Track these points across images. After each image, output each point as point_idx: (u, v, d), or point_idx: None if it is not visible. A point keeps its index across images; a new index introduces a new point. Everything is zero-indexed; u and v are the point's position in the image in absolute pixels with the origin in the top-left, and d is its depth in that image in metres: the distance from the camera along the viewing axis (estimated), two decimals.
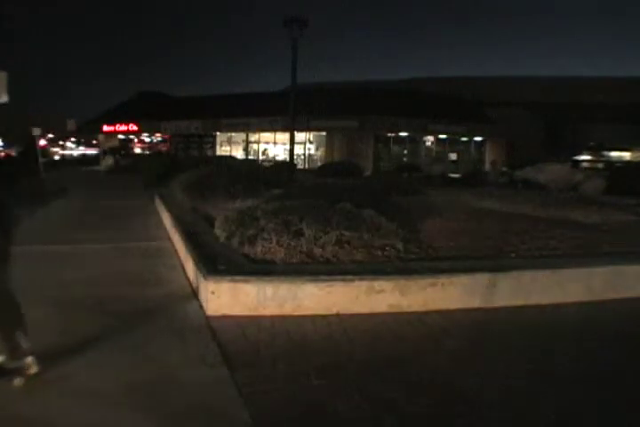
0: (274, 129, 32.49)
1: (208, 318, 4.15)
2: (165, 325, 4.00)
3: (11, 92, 6.92)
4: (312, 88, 31.40)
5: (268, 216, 5.63)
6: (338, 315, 4.23)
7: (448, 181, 18.51)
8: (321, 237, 5.10)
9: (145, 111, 38.73)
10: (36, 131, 21.60)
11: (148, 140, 42.81)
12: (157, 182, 14.31)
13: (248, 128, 34.73)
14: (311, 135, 32.80)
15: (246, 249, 5.14)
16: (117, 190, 16.07)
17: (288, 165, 16.90)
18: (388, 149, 32.82)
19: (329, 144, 31.94)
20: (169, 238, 7.42)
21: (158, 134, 41.07)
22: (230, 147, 37.06)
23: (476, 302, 4.55)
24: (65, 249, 6.69)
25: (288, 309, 4.24)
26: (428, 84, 39.55)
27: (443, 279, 4.51)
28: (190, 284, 5.03)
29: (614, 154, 22.78)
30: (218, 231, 6.08)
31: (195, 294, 4.71)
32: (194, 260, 5.03)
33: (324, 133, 32.11)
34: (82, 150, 62.79)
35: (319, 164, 28.66)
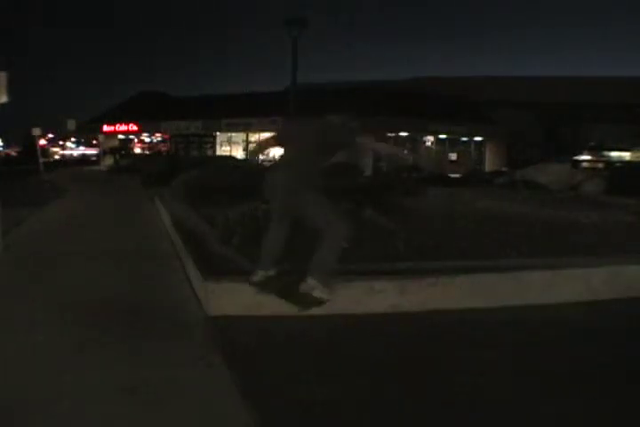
0: (274, 129, 32.51)
1: (209, 318, 4.15)
2: (167, 325, 4.01)
3: (11, 93, 6.93)
4: (312, 88, 31.36)
5: (268, 216, 5.63)
6: (338, 315, 4.23)
7: (448, 181, 18.53)
8: None
9: (145, 111, 38.70)
10: (36, 131, 21.64)
11: (148, 140, 42.82)
12: (157, 182, 14.34)
13: (248, 128, 34.72)
14: None
15: (246, 249, 5.14)
16: (118, 190, 16.09)
17: None
18: None
19: None
20: (169, 238, 7.42)
21: (158, 134, 41.08)
22: (230, 147, 37.05)
23: (476, 303, 4.55)
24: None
25: (288, 309, 4.24)
26: (429, 84, 39.46)
27: (443, 280, 4.51)
28: (191, 284, 5.03)
29: (614, 154, 22.78)
30: (218, 231, 6.09)
31: (195, 294, 4.72)
32: (194, 260, 5.04)
33: None
34: (82, 150, 62.74)
35: None
